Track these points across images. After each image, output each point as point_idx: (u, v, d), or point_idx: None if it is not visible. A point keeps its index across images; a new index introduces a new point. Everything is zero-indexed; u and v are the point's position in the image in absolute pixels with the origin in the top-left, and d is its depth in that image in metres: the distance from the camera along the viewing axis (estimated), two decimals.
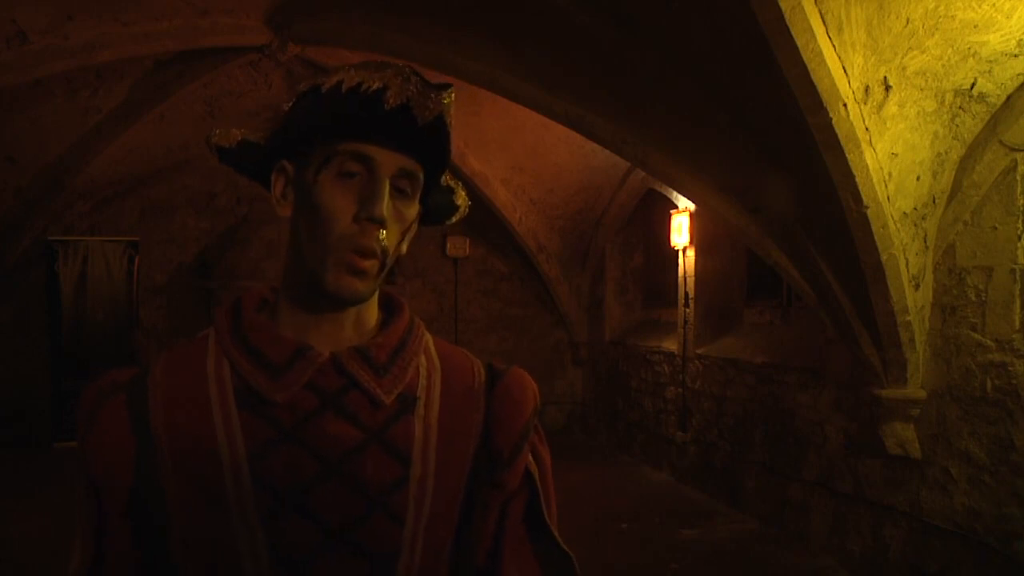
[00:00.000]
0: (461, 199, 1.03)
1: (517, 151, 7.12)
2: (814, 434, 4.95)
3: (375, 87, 0.83)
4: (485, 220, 8.10)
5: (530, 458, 0.98)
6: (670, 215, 6.75)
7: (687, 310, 6.60)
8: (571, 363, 9.13)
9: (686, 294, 6.64)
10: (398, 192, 0.87)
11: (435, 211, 1.00)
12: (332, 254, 0.84)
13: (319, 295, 0.87)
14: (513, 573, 0.97)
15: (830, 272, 3.93)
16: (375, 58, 0.90)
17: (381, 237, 0.85)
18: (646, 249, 8.37)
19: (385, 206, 0.84)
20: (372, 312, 0.94)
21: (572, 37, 4.01)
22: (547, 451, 1.02)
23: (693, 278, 6.58)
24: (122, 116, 6.12)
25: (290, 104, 0.90)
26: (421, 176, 0.89)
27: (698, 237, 6.48)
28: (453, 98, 0.88)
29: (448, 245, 8.80)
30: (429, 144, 0.88)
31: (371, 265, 0.85)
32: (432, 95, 0.85)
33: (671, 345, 6.98)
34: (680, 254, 6.72)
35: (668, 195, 6.81)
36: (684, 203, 6.50)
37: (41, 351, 7.81)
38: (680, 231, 6.57)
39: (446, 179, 0.99)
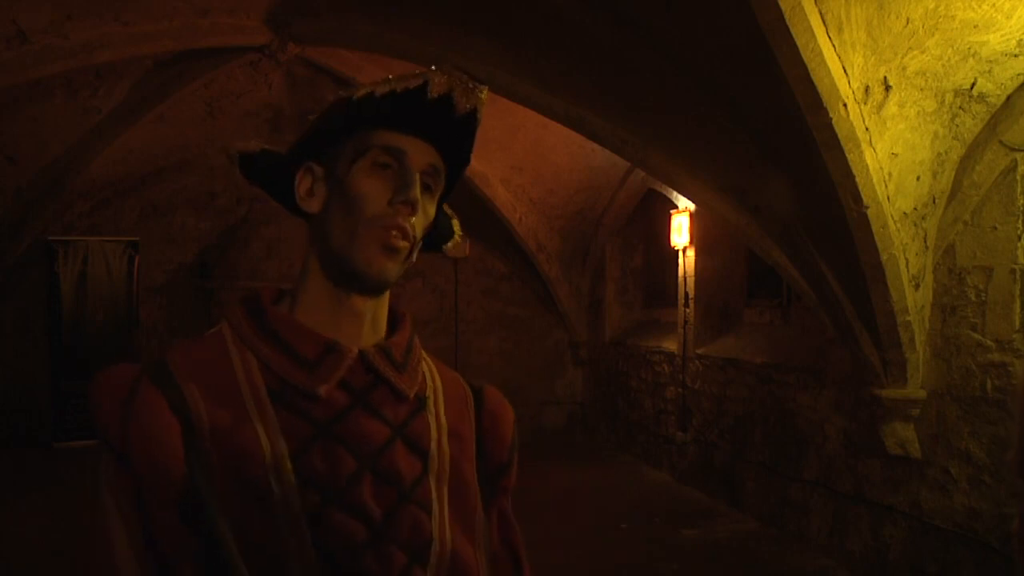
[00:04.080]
0: (456, 227, 1.09)
1: (517, 151, 7.12)
2: (814, 434, 4.95)
3: (415, 84, 0.87)
4: (485, 220, 8.09)
5: None
6: (670, 215, 6.75)
7: (687, 310, 6.60)
8: (571, 363, 9.13)
9: (686, 294, 6.63)
10: (424, 188, 0.92)
11: (436, 231, 1.04)
12: (365, 232, 0.88)
13: (347, 277, 0.90)
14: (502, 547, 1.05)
15: (830, 272, 3.93)
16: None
17: (413, 223, 0.89)
18: (646, 249, 8.37)
19: (418, 192, 0.89)
20: (384, 317, 0.97)
21: (572, 37, 4.01)
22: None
23: (693, 278, 6.58)
24: (122, 116, 6.12)
25: (318, 114, 0.92)
26: (444, 175, 0.95)
27: (698, 237, 6.48)
28: (485, 96, 0.92)
29: (448, 245, 8.79)
30: (456, 140, 0.93)
31: (404, 246, 0.89)
32: (473, 87, 0.90)
33: (671, 345, 6.98)
34: (680, 254, 6.72)
35: (668, 195, 6.81)
36: (684, 203, 6.49)
37: (41, 351, 7.81)
38: (680, 231, 6.56)
39: (445, 206, 1.05)
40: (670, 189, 6.35)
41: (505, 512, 1.07)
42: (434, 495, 0.91)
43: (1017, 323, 3.60)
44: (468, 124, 0.92)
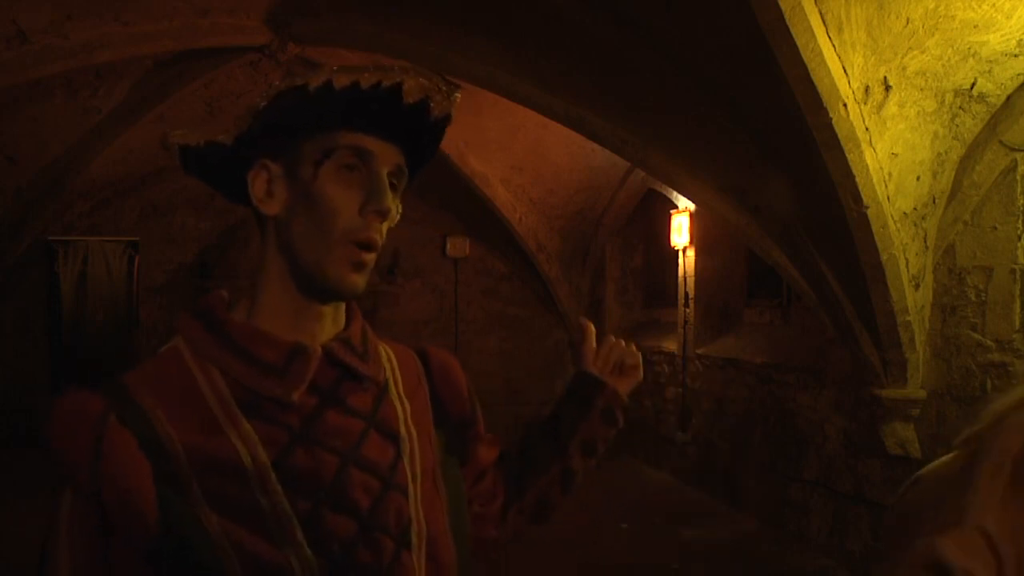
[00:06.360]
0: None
1: (517, 151, 7.12)
2: (814, 434, 4.95)
3: (388, 83, 0.84)
4: (485, 220, 8.09)
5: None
6: (670, 215, 6.75)
7: (687, 310, 6.60)
8: (571, 363, 9.10)
9: (686, 294, 6.63)
10: (391, 187, 0.90)
11: None
12: (337, 248, 0.86)
13: (316, 290, 0.89)
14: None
15: (830, 272, 3.93)
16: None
17: (382, 230, 0.88)
18: (646, 249, 8.37)
19: (390, 200, 0.87)
20: (343, 309, 0.97)
21: (572, 37, 4.01)
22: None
23: (693, 278, 6.58)
24: (122, 116, 6.11)
25: (265, 103, 0.88)
26: (407, 174, 0.93)
27: (698, 237, 6.48)
28: (458, 99, 0.91)
29: (448, 245, 8.80)
30: (421, 142, 0.91)
31: (371, 259, 0.88)
32: (448, 91, 0.88)
33: (671, 345, 6.97)
34: (680, 254, 6.72)
35: (668, 195, 6.81)
36: (684, 203, 6.50)
37: (41, 351, 7.81)
38: (680, 231, 6.56)
39: None
40: (670, 189, 6.35)
41: (483, 462, 1.11)
42: (409, 476, 0.92)
43: (1017, 323, 3.60)
44: (439, 128, 0.91)
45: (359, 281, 0.88)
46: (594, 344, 1.21)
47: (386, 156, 0.88)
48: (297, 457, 0.85)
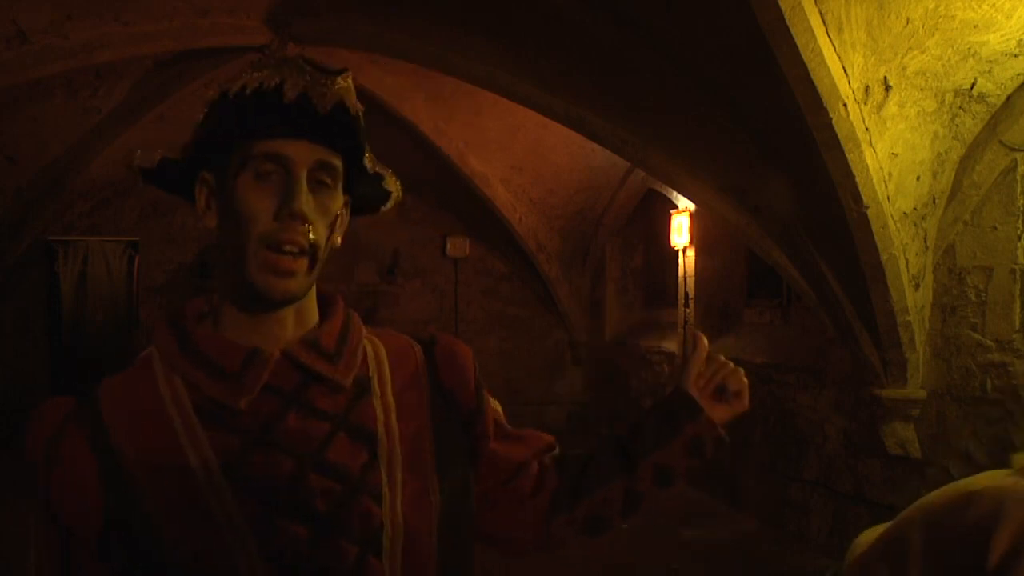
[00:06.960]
0: (392, 185, 1.02)
1: (517, 151, 7.12)
2: (814, 434, 4.95)
3: (274, 83, 0.84)
4: (485, 220, 8.09)
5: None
6: (670, 215, 6.75)
7: (687, 310, 6.60)
8: (571, 363, 9.12)
9: (686, 294, 6.63)
10: (318, 185, 0.88)
11: (366, 200, 1.00)
12: (256, 255, 0.86)
13: (255, 297, 0.88)
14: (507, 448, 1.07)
15: (830, 272, 3.93)
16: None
17: (307, 232, 0.86)
18: (646, 249, 8.37)
19: (304, 201, 0.85)
20: (312, 308, 0.95)
21: (572, 37, 4.01)
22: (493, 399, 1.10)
23: (693, 278, 6.58)
24: (122, 116, 6.11)
25: (202, 115, 0.90)
26: (340, 166, 0.90)
27: (698, 237, 6.48)
28: (351, 82, 0.88)
29: (448, 245, 8.79)
30: (341, 132, 0.89)
31: (299, 264, 0.86)
32: (327, 82, 0.86)
33: (671, 345, 6.97)
34: (680, 254, 6.72)
35: (668, 195, 6.81)
36: (684, 203, 6.49)
37: (41, 351, 7.80)
38: (680, 231, 6.56)
39: (375, 166, 0.98)
40: (670, 189, 6.35)
41: (496, 453, 1.05)
42: (385, 479, 0.89)
43: (1017, 323, 3.60)
44: (341, 117, 0.87)
45: (288, 285, 0.86)
46: (703, 360, 1.10)
47: (304, 155, 0.86)
48: (251, 463, 0.85)
